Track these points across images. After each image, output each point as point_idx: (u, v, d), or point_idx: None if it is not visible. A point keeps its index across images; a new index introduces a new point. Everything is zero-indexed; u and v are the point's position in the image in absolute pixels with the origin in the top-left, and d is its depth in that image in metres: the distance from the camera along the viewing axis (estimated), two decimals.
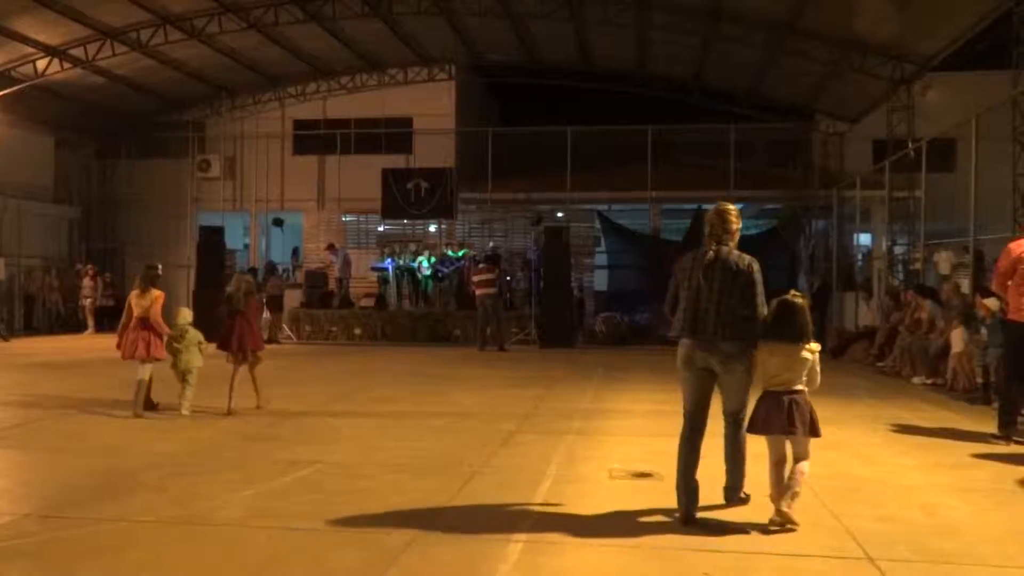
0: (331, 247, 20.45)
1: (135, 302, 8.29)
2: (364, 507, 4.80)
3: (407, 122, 23.29)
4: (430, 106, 22.88)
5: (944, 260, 13.59)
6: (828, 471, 5.81)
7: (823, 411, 8.53)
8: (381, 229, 23.03)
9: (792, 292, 4.71)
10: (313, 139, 23.69)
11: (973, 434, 7.29)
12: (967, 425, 7.77)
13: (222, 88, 23.40)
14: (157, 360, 8.25)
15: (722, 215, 4.72)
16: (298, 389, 10.14)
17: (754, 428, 4.61)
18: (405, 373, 12.32)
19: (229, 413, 8.04)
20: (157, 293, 8.35)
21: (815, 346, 4.62)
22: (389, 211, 21.59)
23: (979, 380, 9.31)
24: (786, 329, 4.53)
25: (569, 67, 23.38)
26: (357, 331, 18.87)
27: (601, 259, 22.54)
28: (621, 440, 7.01)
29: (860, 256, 20.76)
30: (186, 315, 8.49)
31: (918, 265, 14.61)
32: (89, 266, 21.23)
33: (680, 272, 4.76)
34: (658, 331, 19.27)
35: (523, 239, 21.82)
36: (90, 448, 6.58)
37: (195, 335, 8.36)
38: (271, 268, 19.77)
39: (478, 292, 16.96)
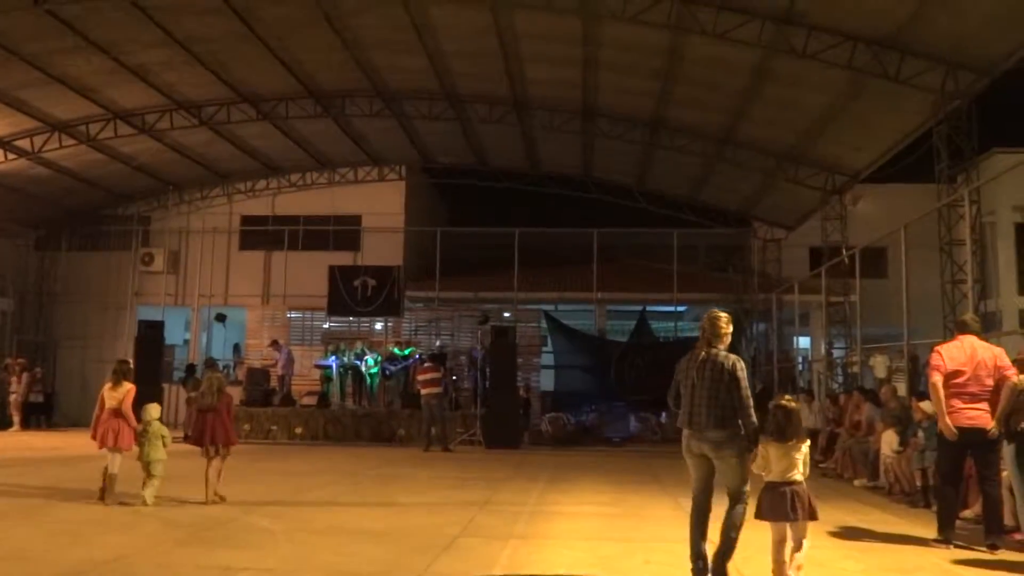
0: (275, 344, 20.23)
1: (107, 394, 8.94)
2: None
3: (356, 220, 23.51)
4: (379, 204, 23.23)
5: (880, 363, 13.94)
6: None
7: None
8: (326, 326, 22.88)
9: (786, 397, 5.49)
10: (260, 235, 23.72)
11: (914, 538, 7.31)
12: (908, 529, 7.80)
13: (170, 183, 23.41)
14: (122, 451, 8.76)
15: (713, 321, 5.52)
16: (235, 489, 9.83)
17: (760, 515, 5.26)
18: (346, 473, 12.07)
19: (207, 502, 8.61)
20: (129, 386, 8.99)
21: (807, 441, 5.41)
22: (335, 308, 21.52)
23: (918, 483, 9.40)
24: (786, 429, 5.26)
25: (517, 170, 24.02)
26: (298, 430, 18.44)
27: (548, 359, 22.66)
28: (566, 544, 6.91)
29: (800, 359, 21.17)
30: (153, 411, 9.01)
31: (856, 368, 14.87)
32: (18, 360, 20.55)
33: (679, 371, 5.60)
34: (603, 432, 19.38)
35: (470, 338, 21.90)
36: None
37: (159, 429, 8.86)
38: (211, 364, 19.28)
39: (423, 391, 16.90)
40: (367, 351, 20.17)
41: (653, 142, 19.35)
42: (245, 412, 18.61)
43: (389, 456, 15.26)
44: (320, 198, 23.61)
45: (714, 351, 5.45)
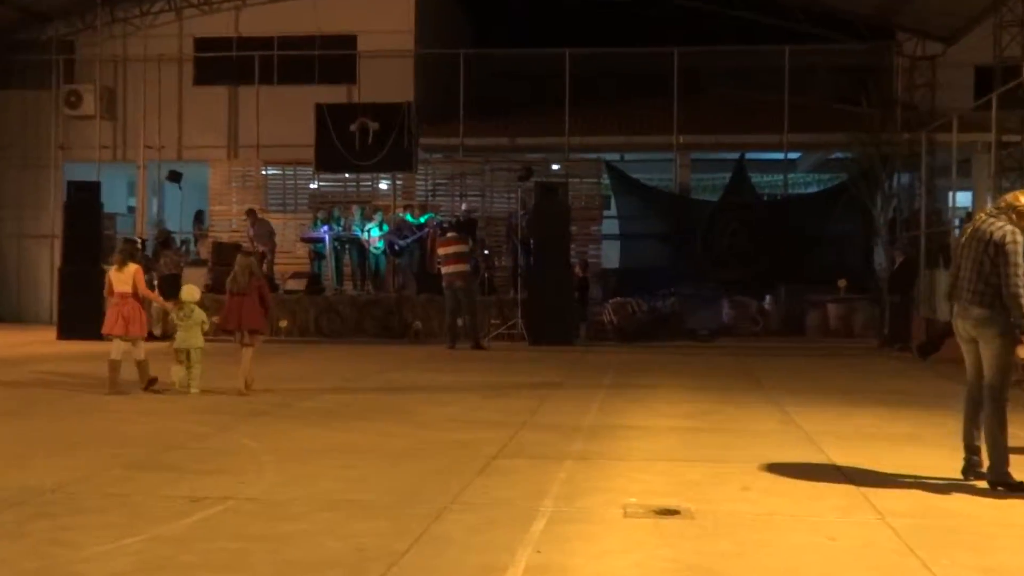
0: (251, 214, 20.49)
1: (114, 278, 10.80)
2: (287, 557, 4.79)
3: (350, 41, 23.17)
4: (381, 20, 22.73)
5: None
6: (916, 505, 5.88)
7: (906, 427, 8.81)
8: (315, 186, 23.01)
9: None
10: (222, 64, 23.55)
11: None
12: None
13: None
14: (136, 338, 10.73)
15: (1018, 196, 6.39)
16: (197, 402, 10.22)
17: None
18: (347, 381, 12.38)
19: (246, 390, 10.61)
20: (134, 267, 10.82)
21: None
22: (326, 162, 21.55)
23: None
24: None
25: None
26: (282, 324, 18.83)
27: (611, 226, 22.72)
28: (639, 466, 7.05)
29: (958, 222, 20.79)
30: (193, 292, 11.11)
31: None
32: None
33: (955, 247, 6.57)
34: (685, 322, 19.62)
35: (506, 200, 21.90)
36: None
37: (200, 315, 10.92)
38: (165, 239, 19.70)
39: (446, 271, 17.07)
40: (369, 219, 20.32)
41: None
42: (213, 301, 18.88)
43: (403, 356, 15.55)
44: (301, 13, 22.94)
45: (989, 219, 6.31)
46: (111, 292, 10.86)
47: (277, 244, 20.78)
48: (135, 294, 10.76)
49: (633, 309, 19.37)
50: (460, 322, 17.14)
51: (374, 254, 20.28)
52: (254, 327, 11.11)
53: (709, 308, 20.23)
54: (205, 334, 11.07)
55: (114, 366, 10.66)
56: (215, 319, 11.82)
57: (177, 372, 10.87)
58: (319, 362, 14.80)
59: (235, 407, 9.87)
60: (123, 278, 10.73)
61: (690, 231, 21.59)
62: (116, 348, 10.74)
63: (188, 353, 10.81)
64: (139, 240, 16.47)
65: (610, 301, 19.87)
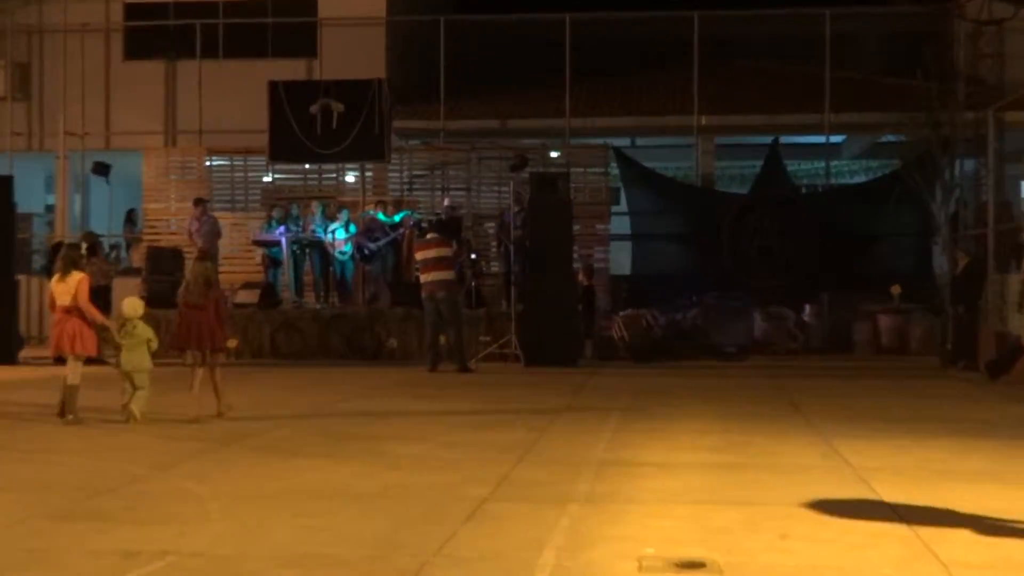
0: (202, 205, 20.48)
1: (56, 289, 10.90)
2: None
3: (310, 6, 23.27)
4: None
5: None
6: (990, 556, 5.81)
7: (976, 462, 8.84)
8: (268, 180, 23.04)
9: None
10: (158, 35, 23.55)
11: None
12: None
13: None
14: (84, 356, 10.94)
15: None
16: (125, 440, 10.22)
17: None
18: (308, 411, 12.34)
19: (195, 420, 10.89)
20: (79, 276, 10.92)
21: None
22: (281, 150, 21.52)
23: None
24: None
25: None
26: (231, 344, 18.32)
27: (621, 224, 22.70)
28: (656, 510, 7.01)
29: None
30: (135, 306, 11.19)
31: None
32: None
33: None
34: (710, 337, 19.66)
35: (497, 194, 21.89)
36: None
37: (145, 331, 11.01)
38: (92, 245, 19.33)
39: (425, 279, 17.05)
40: (334, 218, 20.30)
41: None
42: (150, 317, 18.85)
43: (375, 380, 15.55)
44: None
45: None
46: (52, 306, 11.00)
47: (221, 249, 20.76)
48: (78, 307, 10.87)
49: (648, 323, 19.44)
50: (443, 340, 17.09)
51: (340, 260, 20.24)
52: (216, 345, 11.51)
53: (738, 321, 20.16)
54: (153, 354, 11.17)
55: (71, 392, 10.85)
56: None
57: (126, 397, 11.03)
58: (275, 389, 14.79)
59: (177, 443, 9.83)
60: (65, 289, 10.88)
61: (715, 230, 21.51)
62: (72, 370, 10.90)
63: (132, 377, 10.95)
64: (84, 245, 16.38)
65: (620, 314, 19.89)
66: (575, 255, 19.70)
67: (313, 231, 20.29)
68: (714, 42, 22.56)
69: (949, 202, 19.90)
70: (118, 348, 11.08)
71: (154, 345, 11.13)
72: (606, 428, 10.73)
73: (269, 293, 19.90)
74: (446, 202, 20.90)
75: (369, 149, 21.24)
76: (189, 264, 19.34)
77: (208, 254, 15.04)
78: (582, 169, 21.81)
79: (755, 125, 22.59)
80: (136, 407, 10.85)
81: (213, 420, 11.02)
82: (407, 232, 19.74)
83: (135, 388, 10.93)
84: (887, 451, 9.32)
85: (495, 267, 21.02)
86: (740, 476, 8.26)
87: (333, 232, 20.08)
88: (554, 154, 22.33)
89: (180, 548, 6.01)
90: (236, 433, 10.47)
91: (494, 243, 21.06)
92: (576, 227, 19.76)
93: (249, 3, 23.18)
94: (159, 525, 6.61)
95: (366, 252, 20.09)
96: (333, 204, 21.10)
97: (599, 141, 22.51)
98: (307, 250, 20.37)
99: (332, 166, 22.49)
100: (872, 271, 20.84)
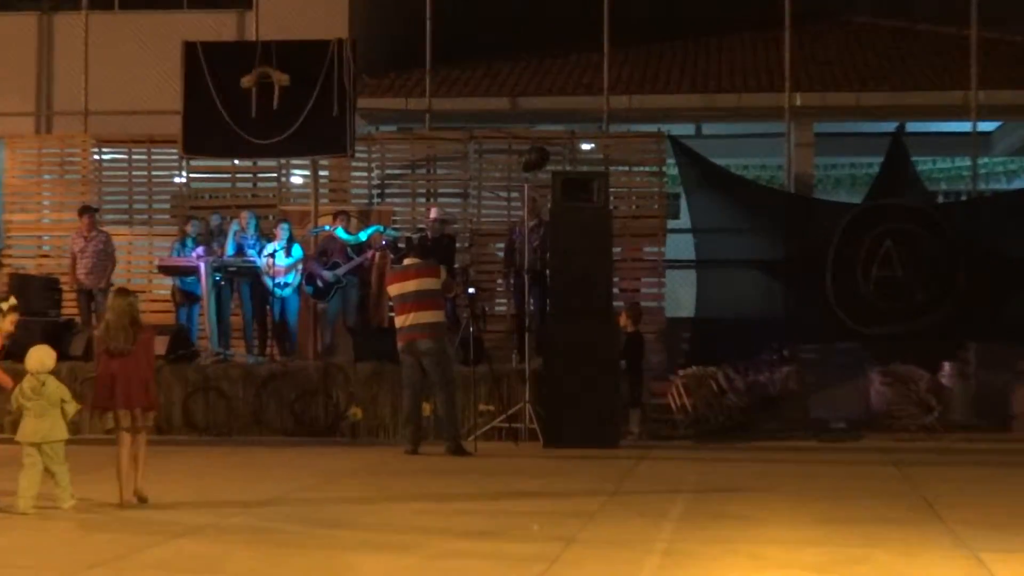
0: (89, 215, 20.47)
1: None
2: None
3: None
4: None
5: None
6: None
7: None
8: (182, 180, 23.01)
9: None
10: None
11: None
12: None
13: None
14: None
15: None
16: None
17: None
18: (234, 511, 12.17)
19: (122, 503, 11.71)
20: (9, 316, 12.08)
21: None
22: (200, 140, 21.39)
23: None
24: None
25: None
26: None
27: (681, 247, 22.52)
28: None
29: None
30: (43, 358, 11.59)
31: None
32: None
33: None
34: (806, 406, 19.63)
35: (505, 204, 21.86)
36: None
37: (58, 391, 11.50)
38: None
39: (403, 323, 16.92)
40: (272, 235, 20.24)
41: None
42: (9, 369, 18.68)
43: (330, 466, 15.51)
44: None
45: None
46: None
47: (114, 279, 20.57)
48: None
49: (719, 386, 19.33)
50: (427, 409, 17.04)
51: (280, 294, 20.09)
52: (147, 404, 12.03)
53: (848, 384, 20.19)
54: (70, 421, 11.82)
55: None
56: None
57: (24, 481, 11.27)
58: (189, 478, 14.63)
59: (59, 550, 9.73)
60: None
61: (815, 255, 21.25)
62: None
63: (42, 451, 11.35)
64: None
65: (680, 373, 19.76)
66: (615, 289, 19.59)
67: (244, 253, 20.12)
68: None
69: None
70: (18, 413, 11.47)
71: (71, 409, 11.59)
72: (659, 538, 10.58)
73: (181, 341, 19.65)
74: (433, 214, 20.59)
75: (324, 138, 20.92)
76: (68, 299, 20.27)
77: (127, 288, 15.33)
78: (627, 168, 21.73)
79: (869, 106, 22.41)
80: (63, 491, 11.41)
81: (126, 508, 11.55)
82: (377, 256, 19.66)
83: (51, 465, 11.36)
84: None
85: (502, 306, 20.92)
86: None
87: (272, 255, 19.77)
88: (586, 146, 22.21)
89: None
90: (131, 545, 10.27)
91: (501, 272, 20.80)
92: (617, 250, 19.74)
93: None
94: None
95: (319, 284, 19.95)
96: (274, 216, 21.00)
97: (651, 128, 22.27)
98: (235, 280, 20.18)
99: (272, 162, 22.35)
100: None
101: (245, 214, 20.69)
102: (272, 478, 14.48)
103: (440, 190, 22.40)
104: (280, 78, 20.76)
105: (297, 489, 13.62)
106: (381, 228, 20.45)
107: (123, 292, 12.88)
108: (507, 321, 20.51)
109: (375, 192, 22.60)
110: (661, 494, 13.28)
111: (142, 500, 11.83)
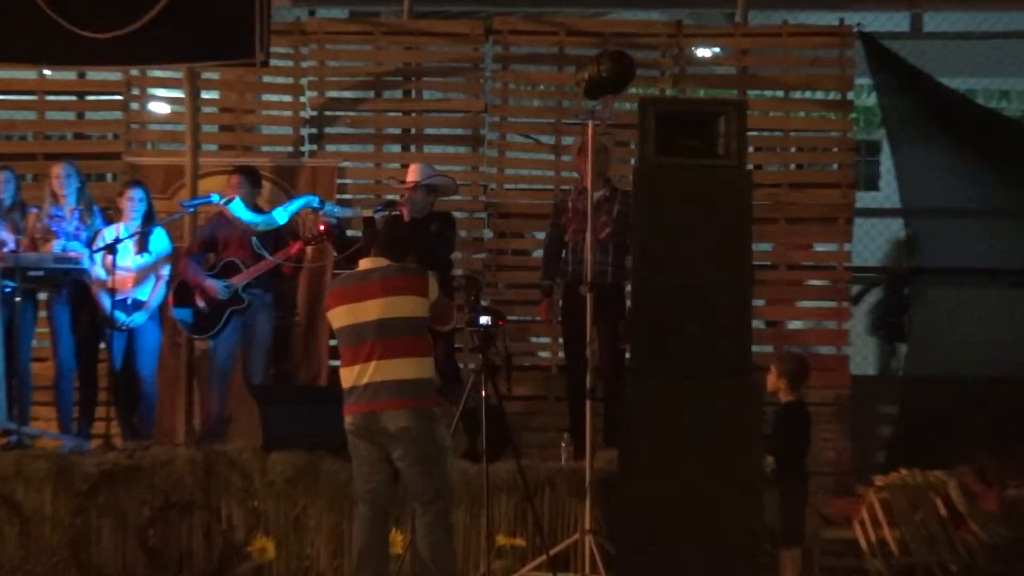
0: None
1: None
2: None
3: None
4: None
5: None
6: None
7: None
8: None
9: None
10: None
11: None
12: None
13: None
14: None
15: None
16: None
17: None
18: None
19: None
20: None
21: None
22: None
23: None
24: None
25: None
26: None
27: (869, 236, 17.87)
28: None
29: None
30: None
31: None
32: None
33: None
34: None
35: (546, 161, 16.73)
36: None
37: None
38: None
39: (355, 376, 12.81)
40: (117, 212, 15.82)
41: None
42: None
43: None
44: None
45: None
46: None
47: None
48: None
49: (952, 506, 14.76)
50: (399, 544, 12.34)
51: (126, 323, 14.47)
52: None
53: None
54: None
55: None
56: None
57: None
58: None
59: None
60: None
61: None
62: None
63: None
64: None
65: (878, 480, 14.69)
66: (760, 322, 15.38)
67: (61, 244, 14.86)
68: None
69: None
70: None
71: None
72: None
73: None
74: (414, 174, 14.52)
75: (211, 30, 15.64)
76: None
77: None
78: (781, 94, 16.12)
79: None
80: None
81: None
82: (309, 252, 14.66)
83: None
84: None
85: (543, 348, 15.43)
86: None
87: (112, 249, 14.19)
88: (705, 52, 16.95)
89: None
90: None
91: (539, 285, 14.51)
92: (765, 248, 14.93)
93: None
94: None
95: (200, 305, 14.24)
96: (118, 177, 15.87)
97: (829, 19, 16.75)
98: (43, 295, 15.34)
99: (114, 75, 17.03)
100: None
101: (59, 169, 14.83)
102: None
103: (427, 130, 16.50)
104: None
105: None
106: (316, 201, 15.02)
107: None
108: (549, 377, 14.86)
109: (306, 135, 16.73)
110: None
111: None
